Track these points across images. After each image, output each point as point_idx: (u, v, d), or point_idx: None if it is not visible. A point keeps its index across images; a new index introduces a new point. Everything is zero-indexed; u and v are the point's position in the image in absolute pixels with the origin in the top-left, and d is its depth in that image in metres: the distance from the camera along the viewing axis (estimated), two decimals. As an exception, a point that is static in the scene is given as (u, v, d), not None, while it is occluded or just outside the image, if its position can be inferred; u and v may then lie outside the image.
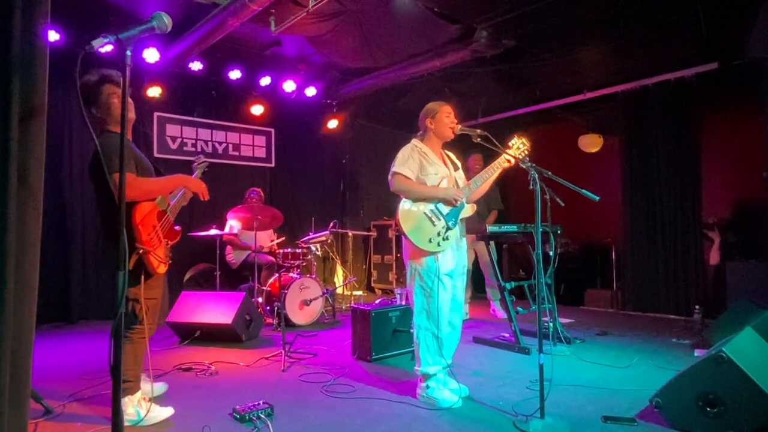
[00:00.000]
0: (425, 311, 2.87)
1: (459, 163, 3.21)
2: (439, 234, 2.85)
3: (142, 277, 2.52)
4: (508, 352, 4.08)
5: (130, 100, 2.67)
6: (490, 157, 3.19)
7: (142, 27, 1.68)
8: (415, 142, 3.06)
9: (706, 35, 4.79)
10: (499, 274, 4.35)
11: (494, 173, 3.05)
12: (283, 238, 6.06)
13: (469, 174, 3.65)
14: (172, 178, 2.77)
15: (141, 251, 2.43)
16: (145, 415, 2.52)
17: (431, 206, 2.90)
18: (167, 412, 2.62)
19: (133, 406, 2.52)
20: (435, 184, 2.94)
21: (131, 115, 2.70)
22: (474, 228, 4.17)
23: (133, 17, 4.88)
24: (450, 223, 2.89)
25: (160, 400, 2.87)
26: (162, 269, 2.60)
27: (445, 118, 3.01)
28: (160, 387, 3.08)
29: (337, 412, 2.74)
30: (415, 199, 2.91)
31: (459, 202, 2.92)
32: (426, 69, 5.92)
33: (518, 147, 3.03)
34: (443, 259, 2.86)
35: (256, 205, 5.36)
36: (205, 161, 3.26)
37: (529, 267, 6.87)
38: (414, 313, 2.94)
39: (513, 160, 3.02)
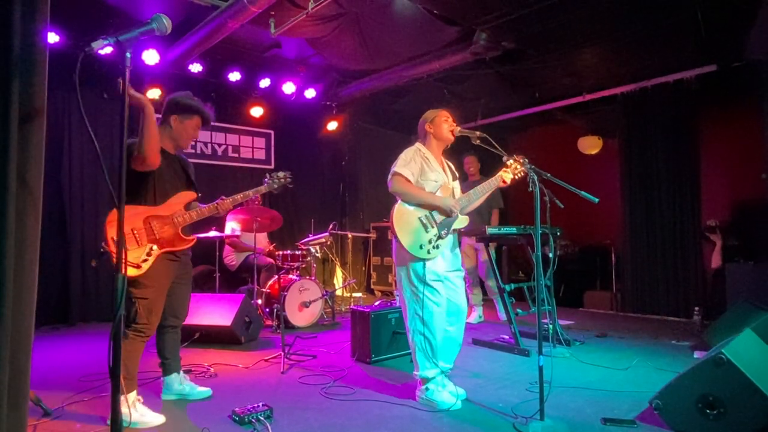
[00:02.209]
0: (418, 316, 2.85)
1: (457, 174, 3.20)
2: (430, 242, 2.84)
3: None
4: (507, 353, 4.07)
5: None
6: (486, 158, 3.16)
7: (142, 29, 1.68)
8: (418, 145, 3.05)
9: (705, 37, 4.80)
10: (498, 276, 4.34)
11: (491, 189, 3.04)
12: (274, 244, 6.09)
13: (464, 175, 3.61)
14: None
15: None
16: (138, 419, 2.51)
17: (426, 212, 2.89)
18: (158, 419, 2.60)
19: (126, 406, 2.49)
20: (433, 191, 2.93)
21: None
22: (473, 230, 4.17)
23: (132, 19, 4.88)
24: (442, 233, 2.87)
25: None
26: (131, 272, 2.52)
27: (443, 122, 3.02)
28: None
29: (336, 414, 2.73)
30: (412, 204, 2.90)
31: (454, 214, 2.91)
32: (425, 71, 5.93)
33: (515, 168, 2.95)
34: (433, 265, 2.84)
35: (256, 206, 5.36)
36: (284, 178, 3.18)
37: (529, 269, 6.87)
38: (407, 318, 2.93)
39: (509, 181, 3.00)
